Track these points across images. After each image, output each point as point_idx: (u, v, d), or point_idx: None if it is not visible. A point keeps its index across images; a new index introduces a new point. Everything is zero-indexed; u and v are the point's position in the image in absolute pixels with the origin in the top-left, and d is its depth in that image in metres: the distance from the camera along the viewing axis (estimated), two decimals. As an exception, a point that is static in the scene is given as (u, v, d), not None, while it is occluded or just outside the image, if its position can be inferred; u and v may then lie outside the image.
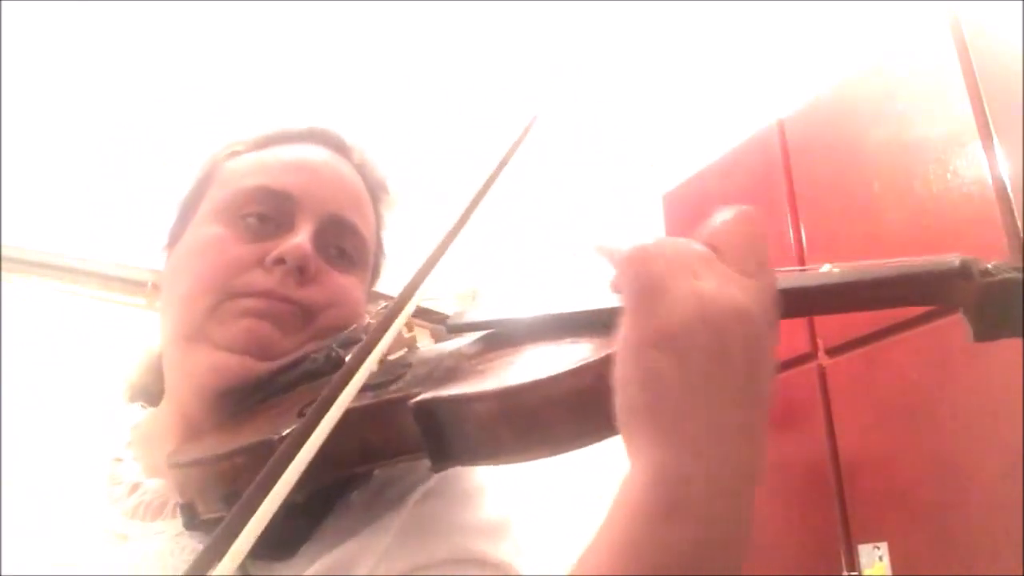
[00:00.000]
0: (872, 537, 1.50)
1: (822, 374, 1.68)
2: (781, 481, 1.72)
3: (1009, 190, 1.44)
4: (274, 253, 0.63)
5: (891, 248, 1.57)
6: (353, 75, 2.41)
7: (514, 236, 3.15)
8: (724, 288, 0.40)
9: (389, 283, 0.72)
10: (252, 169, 0.69)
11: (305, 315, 0.64)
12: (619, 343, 0.41)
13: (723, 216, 0.45)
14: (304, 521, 0.55)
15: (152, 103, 2.24)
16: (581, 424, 0.44)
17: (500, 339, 0.53)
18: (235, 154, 0.72)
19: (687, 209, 2.14)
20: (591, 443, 0.44)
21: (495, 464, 0.51)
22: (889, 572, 1.45)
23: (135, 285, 2.38)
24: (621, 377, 0.40)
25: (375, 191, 0.75)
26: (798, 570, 1.61)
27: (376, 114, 2.53)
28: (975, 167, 1.48)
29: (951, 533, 1.38)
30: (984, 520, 1.33)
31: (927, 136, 1.58)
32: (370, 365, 0.48)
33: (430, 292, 0.53)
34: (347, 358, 0.51)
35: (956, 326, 1.50)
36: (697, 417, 0.39)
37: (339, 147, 0.74)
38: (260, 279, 0.63)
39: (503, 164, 0.61)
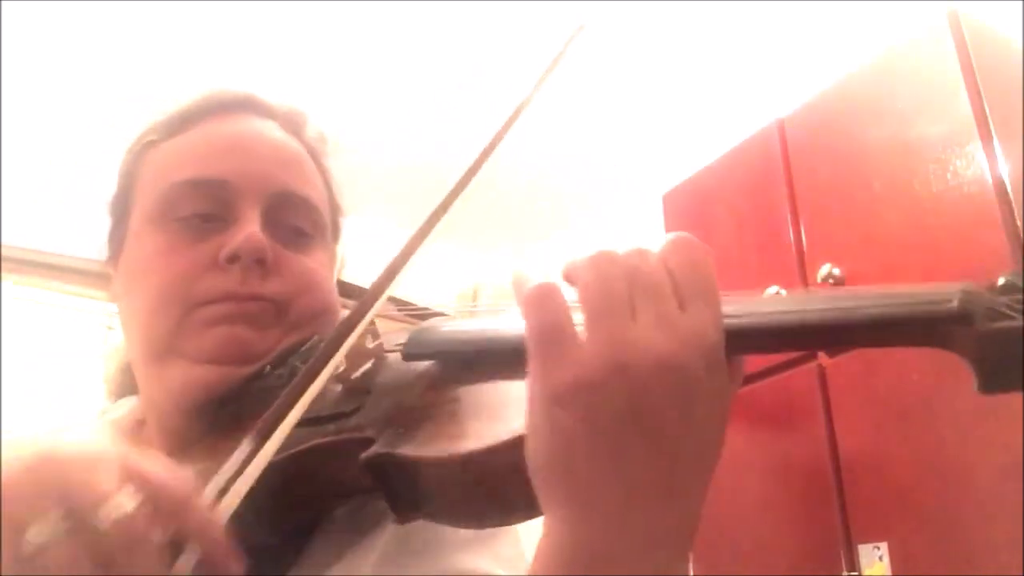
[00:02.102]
0: (872, 537, 1.50)
1: (822, 374, 1.67)
2: (781, 481, 1.72)
3: (1009, 190, 1.43)
4: (226, 251, 0.58)
5: (891, 248, 1.57)
6: (340, 67, 2.41)
7: (514, 236, 3.15)
8: (649, 334, 0.34)
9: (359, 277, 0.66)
10: (176, 160, 0.63)
11: (276, 309, 0.59)
12: (528, 394, 0.36)
13: (664, 240, 0.38)
14: (286, 551, 0.52)
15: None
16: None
17: (461, 371, 0.47)
18: (152, 144, 0.65)
19: (687, 209, 2.14)
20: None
21: (457, 526, 0.47)
22: (889, 572, 1.45)
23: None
24: (529, 431, 0.36)
25: (313, 146, 0.68)
26: (798, 570, 1.60)
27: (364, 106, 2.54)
28: (975, 167, 1.48)
29: (951, 533, 1.38)
30: (984, 520, 1.33)
31: (927, 136, 1.58)
32: (301, 409, 0.43)
33: (402, 293, 0.48)
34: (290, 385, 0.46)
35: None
36: (610, 484, 0.34)
37: (262, 110, 0.67)
38: (219, 282, 0.58)
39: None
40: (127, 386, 0.71)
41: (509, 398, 0.40)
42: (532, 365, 0.36)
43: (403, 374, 0.50)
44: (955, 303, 0.33)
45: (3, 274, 2.40)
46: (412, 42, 2.30)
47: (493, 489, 0.40)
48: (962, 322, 0.33)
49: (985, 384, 0.33)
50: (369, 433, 0.45)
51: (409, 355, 0.50)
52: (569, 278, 0.38)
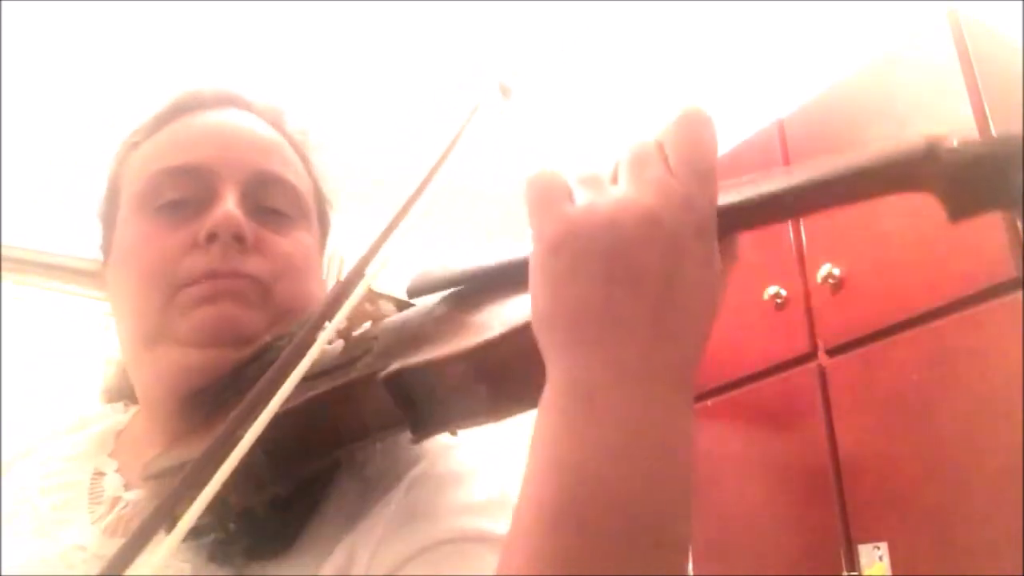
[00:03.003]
0: (872, 537, 1.50)
1: (822, 374, 1.67)
2: (781, 481, 1.72)
3: (1009, 190, 1.43)
4: (204, 229, 0.58)
5: (891, 248, 1.57)
6: (321, 61, 2.41)
7: (515, 236, 3.15)
8: (635, 194, 0.39)
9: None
10: (156, 153, 0.64)
11: (261, 288, 0.59)
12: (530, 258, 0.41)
13: (674, 115, 0.42)
14: (295, 514, 0.53)
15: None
16: None
17: (465, 296, 0.50)
18: (135, 145, 0.67)
19: (687, 209, 2.14)
20: None
21: (476, 425, 0.49)
22: (889, 572, 1.45)
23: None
24: (531, 287, 0.40)
25: (294, 136, 0.69)
26: (798, 570, 1.60)
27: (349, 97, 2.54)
28: (975, 167, 1.48)
29: (951, 533, 1.38)
30: (984, 520, 1.33)
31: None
32: (304, 366, 0.44)
33: (383, 275, 0.49)
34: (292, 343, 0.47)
35: (956, 326, 1.48)
36: (597, 322, 0.38)
37: (241, 104, 0.68)
38: (200, 261, 0.58)
39: (452, 146, 0.56)
40: (127, 388, 0.71)
41: (506, 308, 0.43)
42: (532, 228, 0.41)
43: (407, 315, 0.53)
44: (921, 144, 0.40)
45: (3, 274, 2.40)
46: (412, 43, 2.31)
47: (510, 375, 0.43)
48: (929, 159, 0.39)
49: (954, 213, 0.38)
50: (379, 367, 0.47)
51: (413, 291, 0.53)
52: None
